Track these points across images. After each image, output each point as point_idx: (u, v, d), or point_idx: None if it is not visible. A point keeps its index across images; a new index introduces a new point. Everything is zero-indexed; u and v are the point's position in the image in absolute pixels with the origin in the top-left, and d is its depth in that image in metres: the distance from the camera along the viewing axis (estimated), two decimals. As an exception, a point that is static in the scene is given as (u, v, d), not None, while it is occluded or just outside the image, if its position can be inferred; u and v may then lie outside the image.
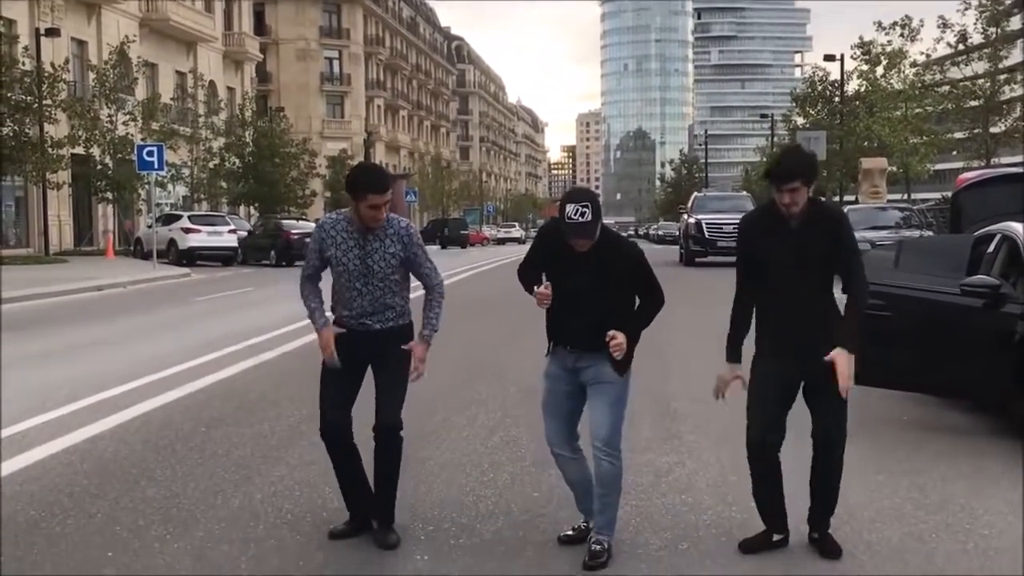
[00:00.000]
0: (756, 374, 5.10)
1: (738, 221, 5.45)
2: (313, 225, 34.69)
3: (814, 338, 4.89)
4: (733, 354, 5.13)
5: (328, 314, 5.39)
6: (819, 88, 52.00)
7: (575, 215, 4.74)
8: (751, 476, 5.19)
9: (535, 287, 4.97)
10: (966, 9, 43.82)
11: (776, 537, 5.17)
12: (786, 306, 4.98)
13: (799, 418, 5.11)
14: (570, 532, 5.26)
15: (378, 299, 5.20)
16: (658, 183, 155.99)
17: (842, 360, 4.86)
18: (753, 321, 5.13)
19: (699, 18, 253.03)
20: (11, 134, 33.38)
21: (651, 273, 5.00)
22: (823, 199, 5.13)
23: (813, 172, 4.93)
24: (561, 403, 5.10)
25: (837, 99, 49.81)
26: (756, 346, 5.12)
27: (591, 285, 4.86)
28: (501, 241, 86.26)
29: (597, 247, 4.86)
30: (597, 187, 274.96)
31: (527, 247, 5.34)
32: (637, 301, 5.02)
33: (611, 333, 4.78)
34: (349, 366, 5.26)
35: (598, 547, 4.94)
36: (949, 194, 13.19)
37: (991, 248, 8.32)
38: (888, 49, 47.51)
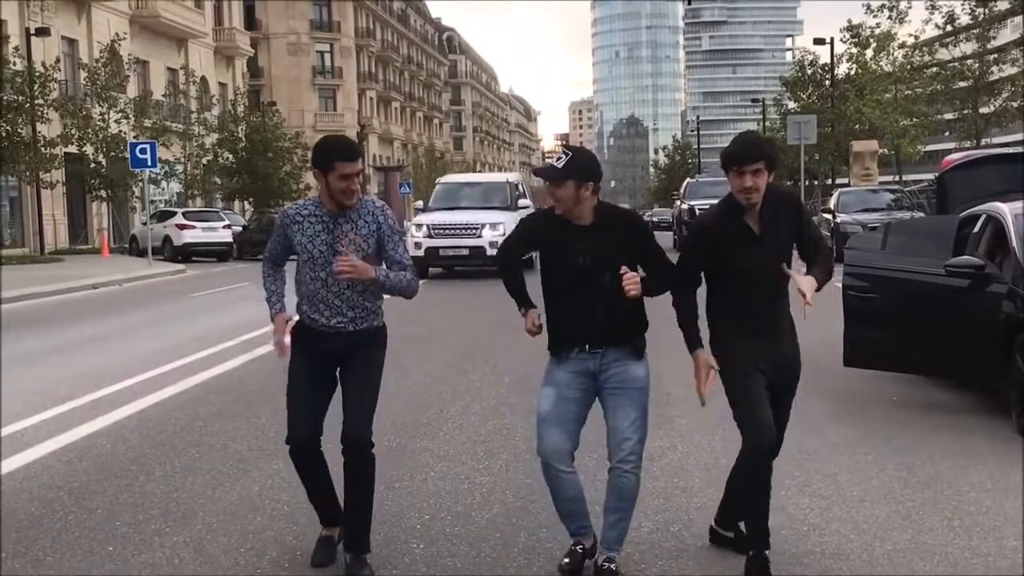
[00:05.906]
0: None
1: None
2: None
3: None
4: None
5: (295, 317, 4.91)
6: (809, 72, 52.03)
7: (551, 158, 4.46)
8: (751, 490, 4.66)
9: (524, 308, 4.65)
10: (954, -10, 43.86)
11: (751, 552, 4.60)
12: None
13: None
14: (567, 560, 4.64)
15: (347, 296, 4.73)
16: (652, 170, 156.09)
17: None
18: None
19: (689, 3, 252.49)
20: (4, 134, 33.33)
21: (660, 247, 4.62)
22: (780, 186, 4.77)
23: (776, 157, 4.51)
24: (568, 412, 4.56)
25: (827, 83, 49.86)
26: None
27: (597, 264, 4.41)
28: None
29: (599, 220, 4.46)
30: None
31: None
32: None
33: (624, 270, 4.32)
34: (316, 370, 4.80)
35: (611, 565, 4.51)
36: (939, 175, 13.25)
37: (977, 228, 8.41)
38: (877, 32, 47.53)
